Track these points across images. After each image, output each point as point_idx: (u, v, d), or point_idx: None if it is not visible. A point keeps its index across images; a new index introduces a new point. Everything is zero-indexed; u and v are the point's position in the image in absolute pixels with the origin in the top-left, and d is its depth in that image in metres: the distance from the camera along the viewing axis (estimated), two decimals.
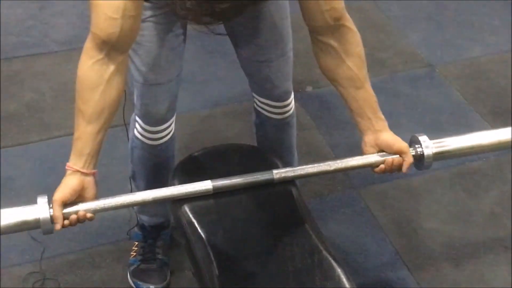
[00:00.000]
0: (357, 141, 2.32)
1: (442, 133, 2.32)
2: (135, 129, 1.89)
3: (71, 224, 1.44)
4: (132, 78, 1.78)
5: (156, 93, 1.79)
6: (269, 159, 1.70)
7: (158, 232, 2.10)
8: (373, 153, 1.58)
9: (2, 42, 2.83)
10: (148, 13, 1.62)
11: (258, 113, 1.98)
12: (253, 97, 1.96)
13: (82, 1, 2.95)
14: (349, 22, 1.57)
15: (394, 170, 1.58)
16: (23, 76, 2.67)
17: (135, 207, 2.04)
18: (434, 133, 2.31)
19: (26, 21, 2.97)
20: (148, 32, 1.66)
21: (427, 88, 2.58)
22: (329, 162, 1.58)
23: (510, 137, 1.63)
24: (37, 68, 2.70)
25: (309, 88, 2.60)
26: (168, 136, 1.90)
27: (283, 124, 1.97)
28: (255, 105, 1.97)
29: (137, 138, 1.90)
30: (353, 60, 1.59)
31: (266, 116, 1.95)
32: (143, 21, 1.59)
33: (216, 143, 2.04)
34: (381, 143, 1.58)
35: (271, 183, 1.54)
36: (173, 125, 1.91)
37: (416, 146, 1.59)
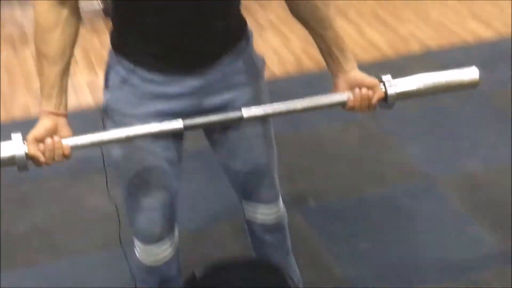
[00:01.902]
0: (362, 251, 2.37)
1: (444, 247, 2.38)
2: (135, 249, 1.89)
3: (47, 161, 1.47)
4: (122, 197, 1.80)
5: (149, 215, 1.79)
6: (269, 268, 1.76)
7: None
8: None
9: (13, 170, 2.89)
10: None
11: (249, 223, 2.00)
12: (243, 207, 1.97)
13: (90, 124, 3.06)
14: None
15: (364, 104, 1.62)
16: (32, 197, 2.73)
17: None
18: (437, 247, 2.38)
19: None
20: (140, 152, 1.70)
21: (427, 202, 2.64)
22: (299, 100, 1.62)
23: (474, 76, 1.67)
24: (46, 190, 2.76)
25: (311, 202, 2.66)
26: (169, 255, 1.88)
27: (275, 226, 1.99)
28: (246, 215, 1.98)
29: (137, 258, 1.89)
30: (319, 1, 1.62)
31: (257, 222, 1.97)
32: (138, 148, 1.67)
33: (219, 257, 2.07)
34: (350, 80, 1.63)
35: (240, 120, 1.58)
36: (174, 243, 1.89)
37: (383, 83, 1.62)
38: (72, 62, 1.56)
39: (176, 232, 1.89)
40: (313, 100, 1.66)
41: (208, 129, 1.78)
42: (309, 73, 3.45)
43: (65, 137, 1.50)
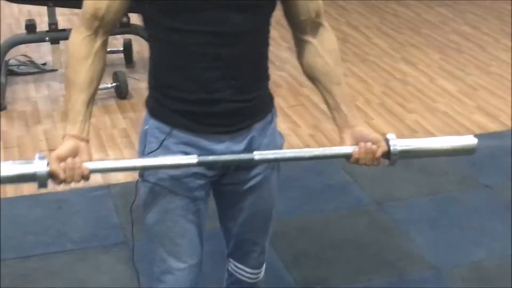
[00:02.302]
0: None
1: None
2: None
3: (66, 179, 1.57)
4: (152, 258, 1.87)
5: (177, 275, 1.86)
6: None
7: None
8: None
9: (20, 241, 2.88)
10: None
11: (231, 275, 2.07)
12: (229, 261, 2.05)
13: (98, 203, 3.09)
14: (326, 22, 1.76)
15: (368, 158, 1.69)
16: (38, 274, 2.70)
17: None
18: None
19: (44, 220, 3.01)
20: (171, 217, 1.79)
21: None
22: (308, 150, 1.77)
23: (472, 143, 1.76)
24: (52, 267, 2.74)
25: None
26: None
27: (252, 286, 2.07)
28: (229, 267, 2.06)
29: None
30: (329, 57, 1.75)
31: (239, 278, 2.05)
32: (170, 212, 1.77)
33: None
34: (356, 134, 1.72)
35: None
36: None
37: (387, 141, 1.70)
38: None
39: None
40: (320, 151, 1.78)
41: (218, 193, 1.88)
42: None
43: (86, 160, 1.60)
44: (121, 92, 4.19)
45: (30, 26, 4.36)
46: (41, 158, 1.57)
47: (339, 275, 2.71)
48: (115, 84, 4.20)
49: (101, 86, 4.00)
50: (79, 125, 1.63)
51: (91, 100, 1.67)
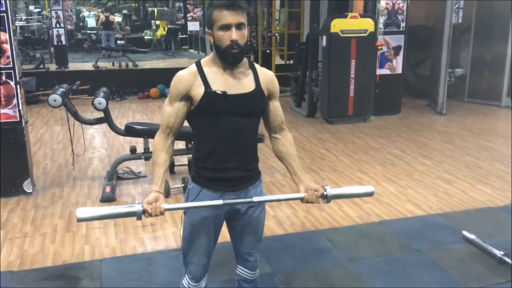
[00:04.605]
0: None
1: None
2: (183, 281, 2.02)
3: (152, 212, 1.72)
4: (183, 250, 1.98)
5: (198, 265, 1.98)
6: None
7: None
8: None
9: (124, 286, 2.75)
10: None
11: (238, 276, 2.10)
12: (237, 266, 2.10)
13: (174, 259, 3.00)
14: (286, 127, 1.96)
15: (313, 198, 1.84)
16: None
17: None
18: None
19: (140, 271, 2.90)
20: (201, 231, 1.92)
21: None
22: (280, 195, 1.97)
23: (371, 190, 1.95)
24: None
25: None
26: (204, 284, 2.04)
27: (253, 281, 2.11)
28: (237, 270, 2.10)
29: (185, 286, 2.02)
30: (289, 146, 1.94)
31: (243, 277, 2.09)
32: (197, 234, 1.93)
33: None
34: (306, 186, 1.88)
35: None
36: (205, 281, 2.04)
37: (324, 189, 1.86)
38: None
39: (206, 276, 2.05)
40: (288, 195, 1.98)
41: (230, 227, 2.01)
42: (309, 231, 3.44)
43: (162, 203, 1.77)
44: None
45: (133, 150, 4.51)
46: (138, 203, 1.74)
47: None
48: (183, 185, 4.25)
49: (173, 186, 4.15)
50: (159, 185, 1.80)
51: (165, 172, 1.83)
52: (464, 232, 3.34)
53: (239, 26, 1.72)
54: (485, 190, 4.26)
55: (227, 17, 1.70)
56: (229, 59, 1.76)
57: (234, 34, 1.71)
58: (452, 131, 6.36)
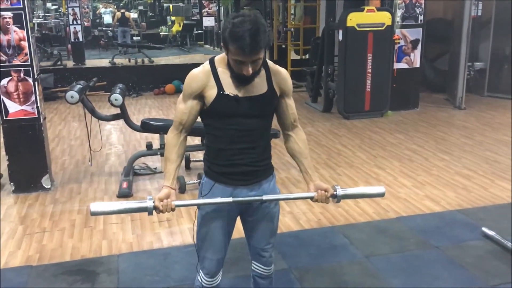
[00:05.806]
0: None
1: None
2: (198, 276, 2.04)
3: (163, 209, 1.74)
4: (197, 247, 1.99)
5: (211, 261, 1.98)
6: None
7: None
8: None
9: (141, 281, 2.75)
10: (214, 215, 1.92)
11: (254, 272, 2.10)
12: (252, 262, 2.10)
13: (190, 255, 2.97)
14: (299, 124, 1.96)
15: (323, 198, 1.86)
16: None
17: None
18: None
19: (156, 266, 2.91)
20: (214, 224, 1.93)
21: None
22: (291, 194, 1.92)
23: (382, 191, 1.93)
24: None
25: None
26: (219, 282, 2.04)
27: (268, 276, 2.11)
28: (252, 266, 2.10)
29: (199, 281, 2.04)
30: (301, 143, 1.94)
31: (258, 273, 2.09)
32: (211, 228, 1.92)
33: None
34: (316, 185, 1.89)
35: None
36: (220, 277, 2.04)
37: (334, 189, 1.87)
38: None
39: (221, 272, 2.05)
40: (298, 194, 1.98)
41: (244, 222, 2.01)
42: (326, 227, 3.43)
43: (173, 200, 1.79)
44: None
45: (149, 146, 4.53)
46: (150, 199, 1.76)
47: None
48: (198, 180, 4.22)
49: (189, 182, 4.16)
50: (170, 181, 1.81)
51: (177, 168, 1.84)
52: (484, 229, 3.29)
53: (255, 61, 1.69)
54: (505, 186, 4.19)
55: (244, 57, 1.65)
56: (241, 80, 1.76)
57: (249, 69, 1.68)
58: (471, 125, 6.26)
